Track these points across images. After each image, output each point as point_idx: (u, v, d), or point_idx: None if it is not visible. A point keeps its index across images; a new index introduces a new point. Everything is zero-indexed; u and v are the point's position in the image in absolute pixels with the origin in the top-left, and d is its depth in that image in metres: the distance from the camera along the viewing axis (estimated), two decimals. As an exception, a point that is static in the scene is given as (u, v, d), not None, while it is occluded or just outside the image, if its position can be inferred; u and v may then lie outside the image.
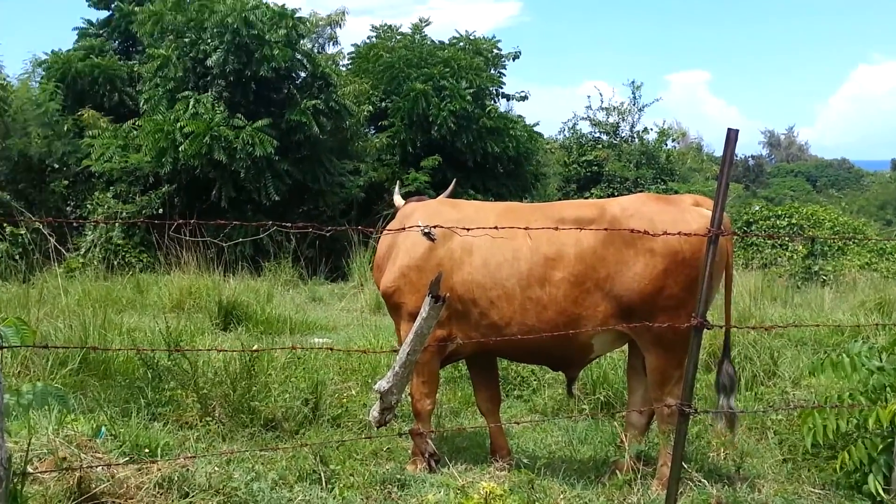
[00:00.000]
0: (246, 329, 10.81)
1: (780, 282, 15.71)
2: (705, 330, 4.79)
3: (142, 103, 19.85)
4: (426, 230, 5.18)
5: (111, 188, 18.99)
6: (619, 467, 5.84)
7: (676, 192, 23.34)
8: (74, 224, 18.68)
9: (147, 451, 5.49)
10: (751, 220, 23.16)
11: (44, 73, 21.39)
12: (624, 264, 5.41)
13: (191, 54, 19.08)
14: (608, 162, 25.65)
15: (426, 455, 4.94)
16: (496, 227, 5.15)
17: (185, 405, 6.64)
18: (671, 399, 5.44)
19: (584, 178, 26.85)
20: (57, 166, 19.82)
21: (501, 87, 24.07)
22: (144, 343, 8.69)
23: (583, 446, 6.82)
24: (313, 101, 19.00)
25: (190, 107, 18.24)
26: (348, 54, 24.96)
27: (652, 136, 27.15)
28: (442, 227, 5.13)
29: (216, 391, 6.69)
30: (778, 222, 21.96)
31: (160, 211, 18.47)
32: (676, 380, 5.45)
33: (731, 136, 4.63)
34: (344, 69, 23.60)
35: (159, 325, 10.30)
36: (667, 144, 27.03)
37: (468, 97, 21.47)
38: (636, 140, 27.20)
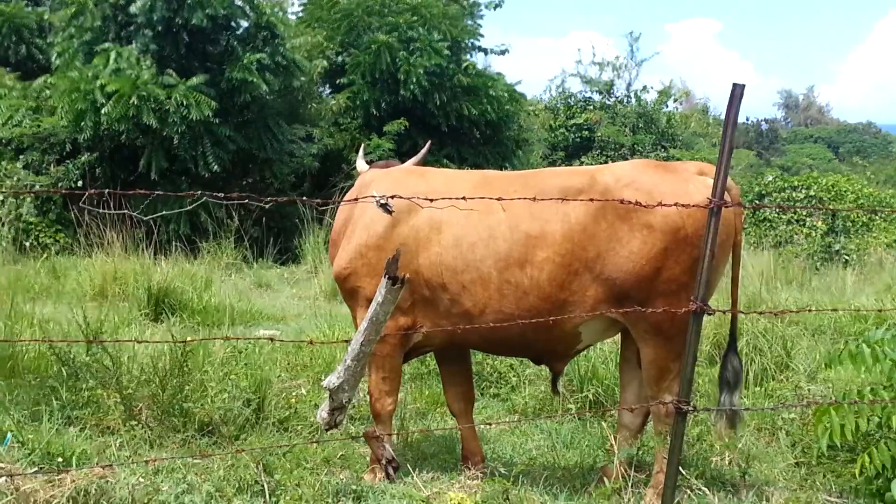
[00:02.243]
0: (180, 320, 10.78)
1: (797, 262, 15.82)
2: (707, 317, 4.81)
3: (54, 57, 19.48)
4: (382, 201, 5.16)
5: (21, 157, 18.68)
6: (607, 474, 5.87)
7: (679, 160, 23.45)
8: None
9: (60, 459, 5.46)
10: (763, 192, 23.28)
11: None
12: (617, 242, 5.41)
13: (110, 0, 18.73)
14: (601, 126, 25.63)
15: (384, 462, 4.93)
16: (464, 198, 5.11)
17: (106, 407, 6.60)
18: (669, 396, 5.47)
19: (574, 144, 26.85)
20: (-39, 133, 19.51)
21: (478, 40, 24.08)
22: (60, 336, 8.58)
23: (568, 451, 6.87)
24: (257, 56, 18.73)
25: (111, 61, 17.88)
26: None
27: (651, 97, 27.18)
28: (402, 197, 5.08)
29: (143, 391, 6.65)
30: (794, 194, 22.10)
31: (79, 184, 18.15)
32: (675, 374, 5.47)
33: (737, 93, 4.65)
34: (294, 17, 23.41)
35: (77, 316, 10.25)
36: (667, 106, 27.06)
37: (445, 51, 21.38)
38: (633, 100, 27.22)
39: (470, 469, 6.10)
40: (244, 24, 19.89)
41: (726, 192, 5.40)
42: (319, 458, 6.27)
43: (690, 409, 4.88)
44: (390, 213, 5.24)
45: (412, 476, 5.89)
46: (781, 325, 8.74)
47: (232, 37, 19.55)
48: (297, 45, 20.44)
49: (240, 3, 19.36)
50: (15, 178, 18.14)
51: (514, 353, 6.41)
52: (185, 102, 17.54)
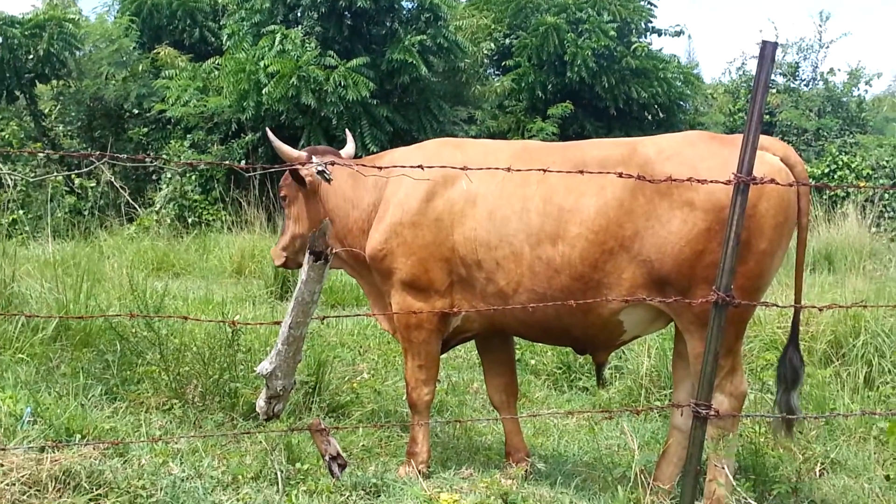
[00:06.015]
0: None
1: None
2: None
3: (225, 40, 19.71)
4: (320, 167, 4.82)
5: (188, 136, 19.12)
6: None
7: (864, 147, 21.89)
8: (153, 175, 19.05)
9: (79, 436, 5.30)
10: None
11: (119, 6, 21.74)
12: (656, 220, 4.79)
13: (279, -18, 18.88)
14: (782, 109, 24.04)
15: (327, 458, 4.52)
16: (464, 168, 4.74)
17: (158, 384, 6.44)
18: (721, 396, 4.86)
19: (753, 129, 25.18)
20: (137, 111, 20.12)
21: (651, 21, 23.22)
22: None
23: (641, 451, 6.24)
24: (419, 37, 18.53)
25: (276, 43, 17.97)
26: (470, -16, 24.34)
27: (841, 79, 25.29)
28: (338, 163, 4.74)
29: (193, 369, 6.44)
30: None
31: (242, 163, 18.40)
32: (728, 371, 4.88)
33: (767, 53, 4.05)
34: (464, 0, 23.13)
35: (194, 293, 10.32)
36: (857, 88, 25.14)
37: (612, 32, 20.72)
38: (819, 83, 25.48)
39: (512, 466, 5.64)
40: (407, 5, 19.69)
41: (789, 170, 4.82)
42: (359, 446, 5.96)
43: (712, 413, 4.27)
44: (328, 180, 4.90)
45: (451, 470, 5.55)
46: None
47: (395, 18, 19.37)
48: (463, 26, 20.14)
49: (404, -16, 19.19)
50: (182, 157, 18.52)
51: (555, 340, 5.83)
52: (342, 83, 17.50)
